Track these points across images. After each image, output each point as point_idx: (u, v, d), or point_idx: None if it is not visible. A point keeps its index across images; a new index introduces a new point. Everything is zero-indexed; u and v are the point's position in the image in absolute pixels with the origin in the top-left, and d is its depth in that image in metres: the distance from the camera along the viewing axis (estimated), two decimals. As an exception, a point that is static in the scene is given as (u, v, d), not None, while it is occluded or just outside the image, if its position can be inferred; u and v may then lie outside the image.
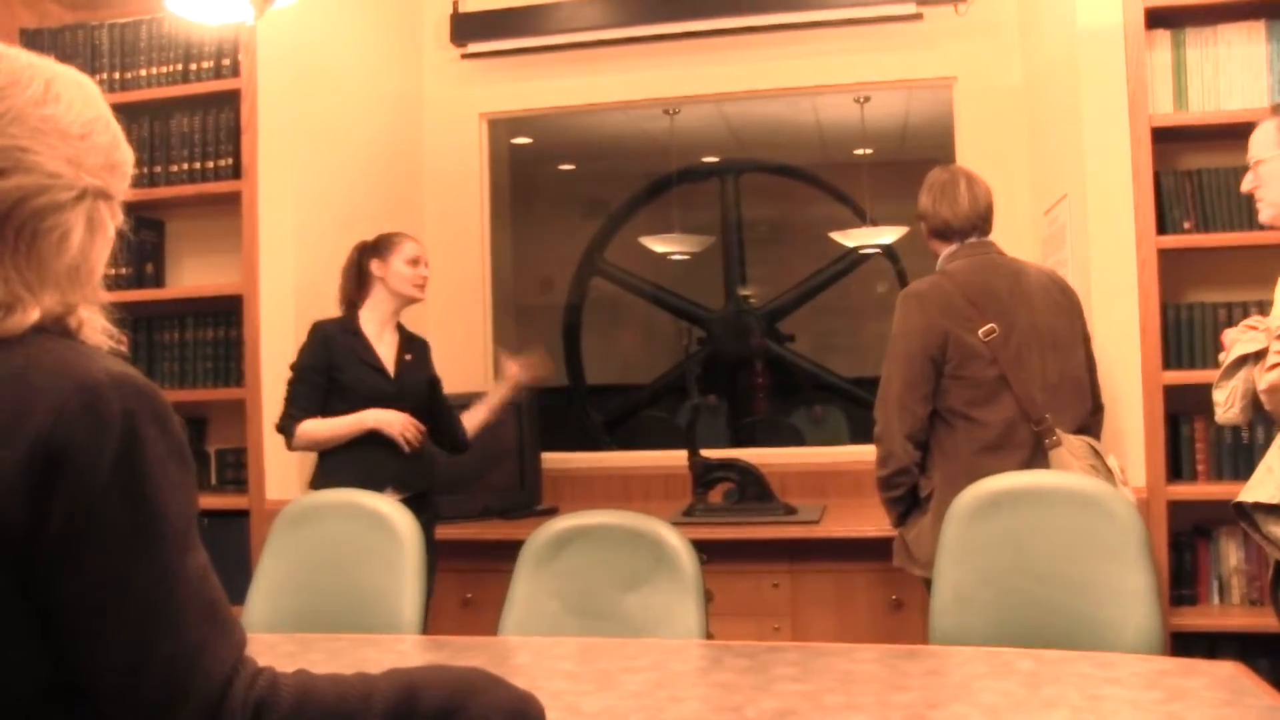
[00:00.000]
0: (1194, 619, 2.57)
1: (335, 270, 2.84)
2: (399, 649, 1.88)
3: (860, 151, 5.45)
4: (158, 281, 3.23)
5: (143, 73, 3.15)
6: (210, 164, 3.09)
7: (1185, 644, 2.44)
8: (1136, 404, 2.60)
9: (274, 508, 2.52)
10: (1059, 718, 1.38)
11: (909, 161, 4.51)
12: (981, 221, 2.50)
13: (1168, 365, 2.61)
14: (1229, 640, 2.50)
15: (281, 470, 2.93)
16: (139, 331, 3.12)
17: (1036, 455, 2.34)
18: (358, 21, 3.50)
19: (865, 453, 2.82)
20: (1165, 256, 2.61)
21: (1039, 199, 3.28)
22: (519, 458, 3.40)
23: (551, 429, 3.40)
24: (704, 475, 3.18)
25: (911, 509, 2.43)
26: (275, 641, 1.90)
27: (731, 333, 5.70)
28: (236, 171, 3.06)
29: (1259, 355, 1.92)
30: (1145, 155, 2.59)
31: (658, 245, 5.97)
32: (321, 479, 2.64)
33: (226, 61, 3.09)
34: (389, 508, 2.17)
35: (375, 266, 2.75)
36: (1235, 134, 2.36)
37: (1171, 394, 2.59)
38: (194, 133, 3.11)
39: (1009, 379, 2.35)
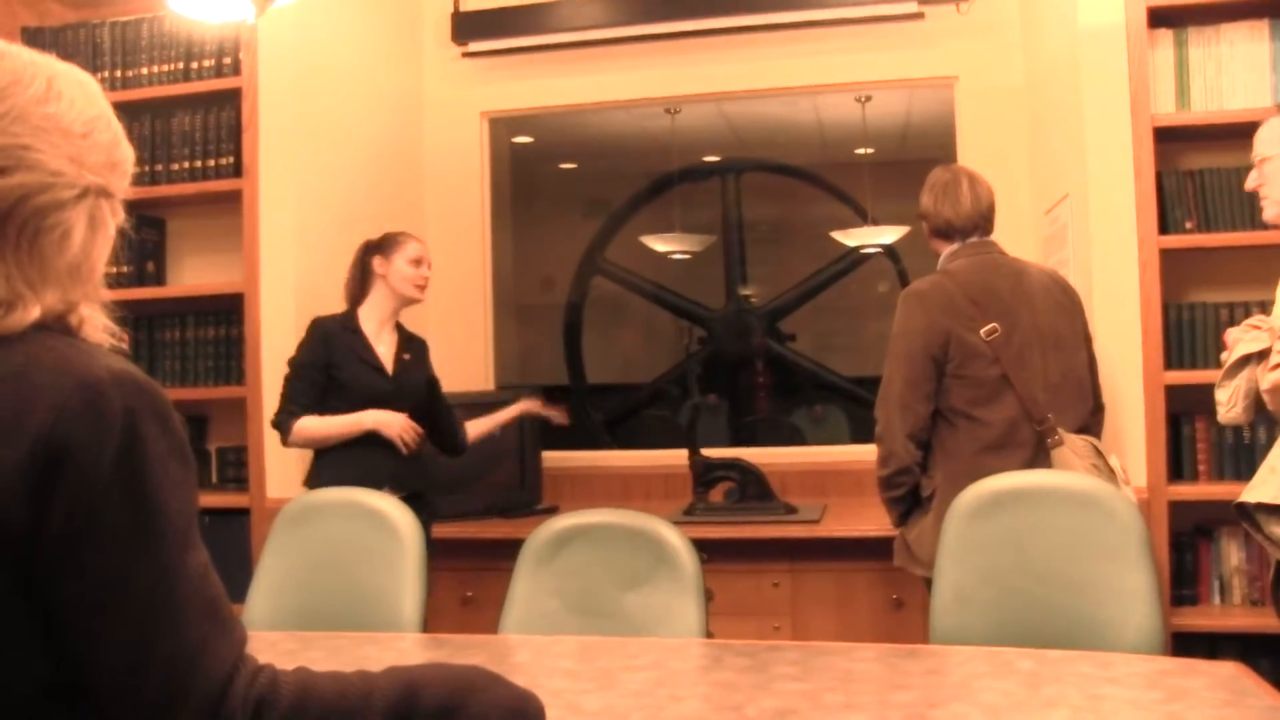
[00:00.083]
0: (1195, 619, 2.56)
1: (336, 269, 2.84)
2: (399, 647, 1.88)
3: (861, 151, 5.45)
4: (159, 280, 3.23)
5: (144, 71, 3.15)
6: (211, 162, 3.09)
7: (1186, 644, 2.44)
8: (1138, 404, 2.60)
9: (274, 506, 2.52)
10: (1059, 717, 1.38)
11: (910, 161, 4.51)
12: (983, 221, 2.50)
13: (1169, 365, 2.61)
14: (1230, 641, 2.50)
15: (282, 469, 2.93)
16: (140, 330, 3.13)
17: (1038, 455, 2.34)
18: (358, 20, 3.50)
19: (866, 452, 2.82)
20: (1167, 256, 2.61)
21: (1040, 198, 3.28)
22: (519, 457, 3.40)
23: (552, 428, 3.40)
24: (704, 474, 3.18)
25: (912, 509, 2.43)
26: (276, 639, 1.90)
27: (732, 332, 5.70)
28: (237, 170, 3.06)
29: (1262, 355, 1.92)
30: (1147, 155, 2.59)
31: (659, 244, 5.97)
32: (318, 477, 2.64)
33: (227, 60, 3.09)
34: (390, 506, 2.17)
35: (378, 264, 2.75)
36: (1238, 134, 2.36)
37: (1173, 394, 2.59)
38: (195, 131, 3.11)
39: (1011, 378, 2.35)
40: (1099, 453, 2.36)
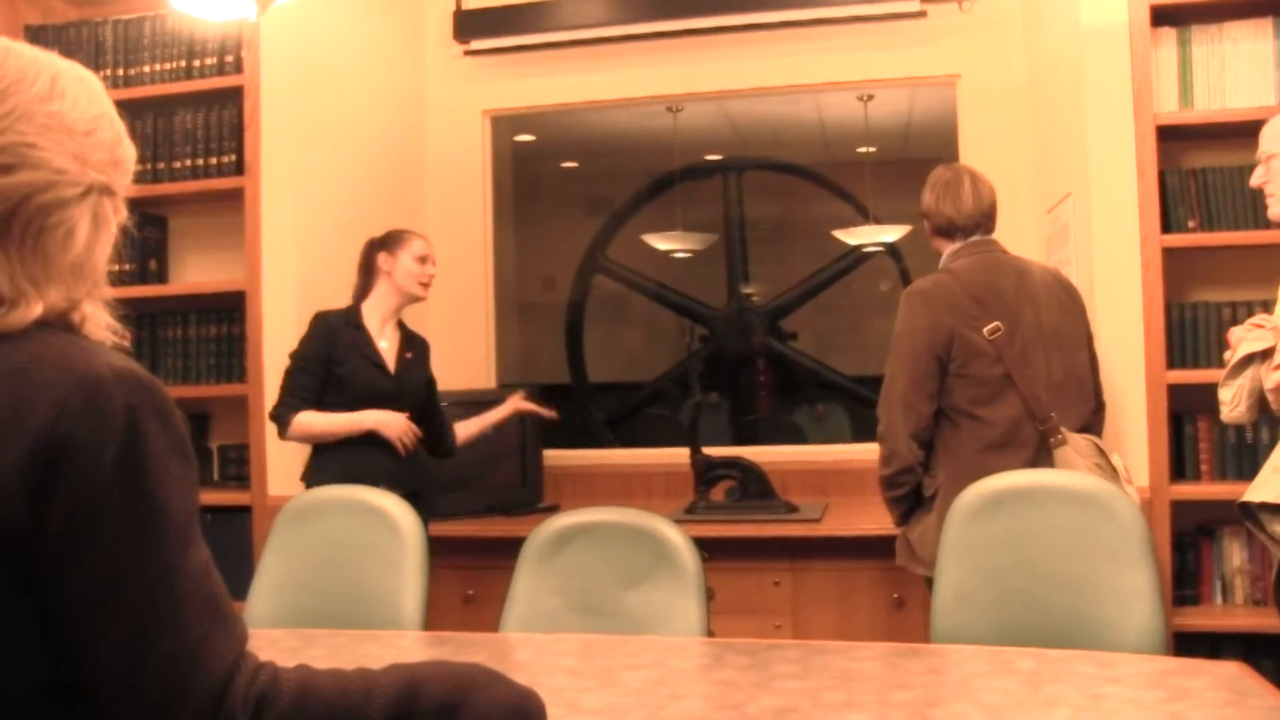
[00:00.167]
0: (1197, 619, 2.56)
1: (337, 267, 2.84)
2: (400, 645, 1.88)
3: (863, 149, 5.44)
4: (161, 278, 3.23)
5: (146, 69, 3.15)
6: (213, 160, 3.09)
7: (1188, 644, 2.44)
8: (1140, 403, 2.60)
9: (276, 504, 2.52)
10: (1060, 717, 1.38)
11: (912, 160, 4.50)
12: (985, 219, 2.49)
13: (1171, 365, 2.60)
14: (1232, 641, 2.49)
15: (284, 467, 2.93)
16: (142, 328, 3.13)
17: (1041, 454, 2.33)
18: (361, 18, 3.49)
19: (867, 451, 2.82)
20: (1169, 255, 2.60)
21: (1042, 197, 3.28)
22: (521, 455, 3.40)
23: (553, 426, 3.40)
24: (706, 473, 3.18)
25: (914, 508, 2.43)
26: (277, 637, 1.90)
27: (734, 331, 5.70)
28: (239, 168, 3.06)
29: (1266, 354, 1.92)
30: (1150, 154, 2.59)
31: (660, 243, 5.97)
32: (315, 474, 2.64)
33: (229, 58, 3.09)
34: (391, 504, 2.17)
35: (382, 260, 2.75)
36: (1240, 132, 2.36)
37: (1175, 393, 2.59)
38: (197, 129, 3.11)
39: (1014, 377, 2.34)
40: (1102, 452, 2.36)
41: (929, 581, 2.05)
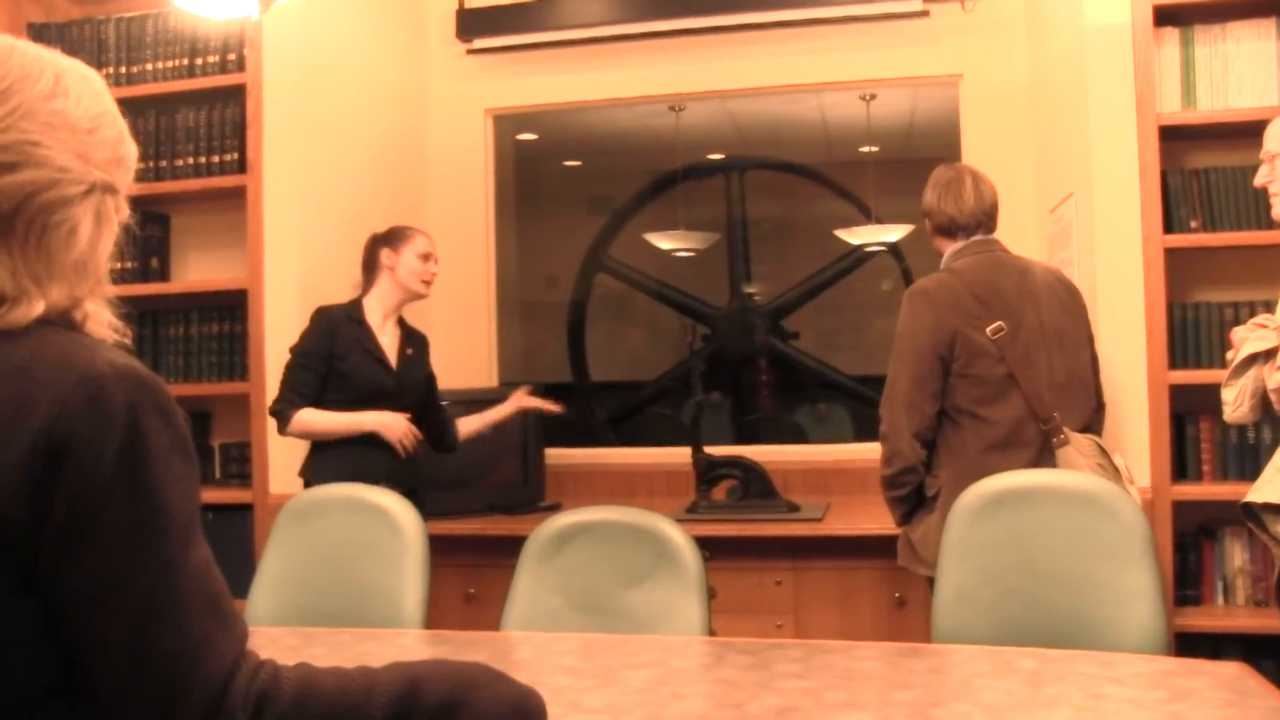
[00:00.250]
0: (1198, 619, 2.56)
1: (340, 265, 2.85)
2: (401, 643, 1.88)
3: (866, 149, 5.44)
4: (163, 276, 3.24)
5: (148, 67, 3.15)
6: (215, 158, 3.09)
7: (1189, 645, 2.43)
8: (1142, 403, 2.59)
9: (277, 502, 2.53)
10: (1061, 717, 1.38)
11: (915, 159, 4.50)
12: (986, 219, 2.49)
13: (1173, 365, 2.60)
14: (1233, 641, 2.49)
15: (285, 465, 2.93)
16: (144, 326, 3.13)
17: (1044, 454, 2.33)
18: (363, 17, 3.50)
19: (869, 451, 2.82)
20: (1171, 255, 2.60)
21: (1045, 197, 3.27)
22: (522, 454, 3.40)
23: (555, 425, 3.40)
24: (707, 472, 3.18)
25: (916, 508, 2.43)
26: (278, 635, 1.90)
27: (736, 330, 5.70)
28: (242, 166, 3.06)
29: (1269, 354, 1.92)
30: (1152, 154, 2.58)
31: (663, 242, 5.97)
32: (313, 471, 2.63)
33: (232, 56, 3.09)
34: (392, 503, 2.17)
35: (385, 256, 2.75)
36: (1243, 132, 2.36)
37: (1177, 393, 2.59)
38: (199, 127, 3.11)
39: (1017, 377, 2.34)
40: (1104, 452, 2.36)
41: (930, 581, 2.05)
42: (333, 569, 2.14)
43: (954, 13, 3.50)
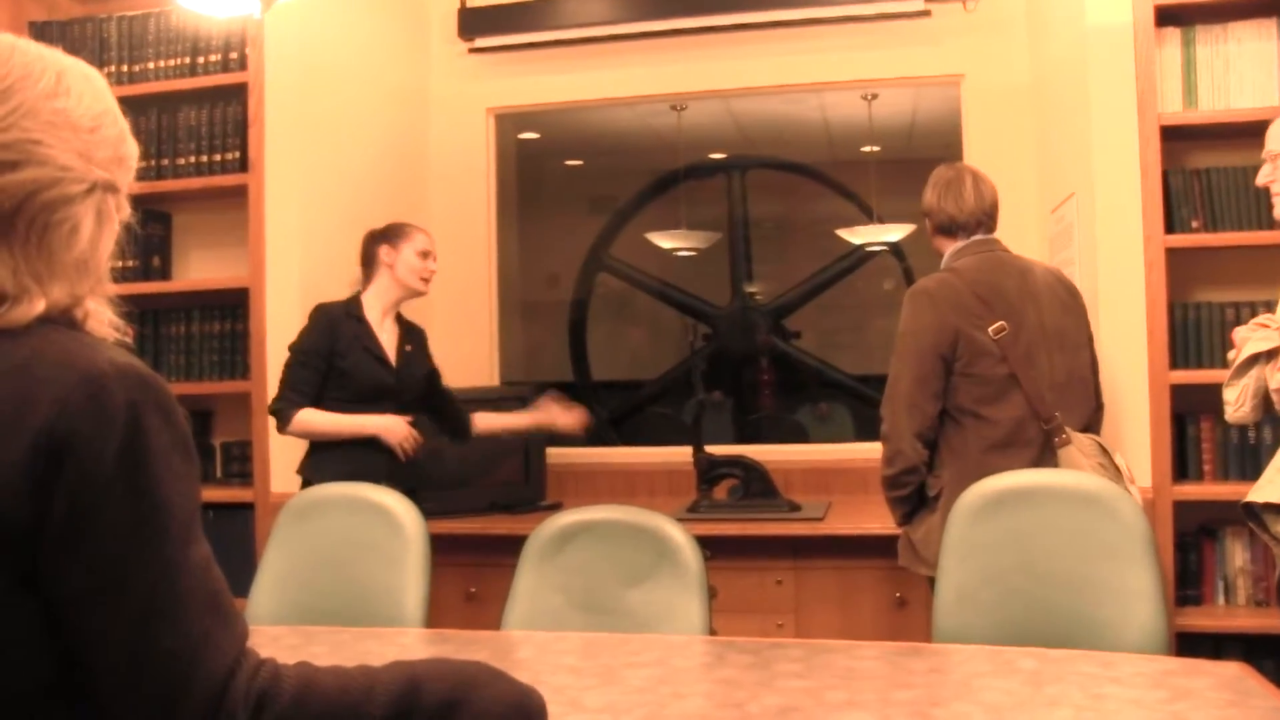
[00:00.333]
0: (1199, 619, 2.56)
1: (341, 264, 2.85)
2: (402, 642, 1.88)
3: (867, 149, 5.44)
4: (164, 274, 3.24)
5: (150, 65, 3.15)
6: (217, 157, 3.10)
7: (1190, 645, 2.43)
8: (1143, 403, 2.59)
9: (278, 501, 2.53)
10: (1062, 717, 1.38)
11: (916, 159, 4.50)
12: (986, 218, 2.49)
13: (1174, 365, 2.60)
14: (1234, 641, 2.49)
15: (286, 464, 2.93)
16: (145, 324, 3.13)
17: (1045, 454, 2.33)
18: (365, 15, 3.50)
19: (870, 450, 2.81)
20: (1173, 255, 2.60)
21: (1046, 197, 3.27)
22: (524, 453, 3.40)
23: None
24: (708, 471, 3.18)
25: (917, 508, 2.43)
26: (278, 634, 1.90)
27: (737, 329, 5.70)
28: (243, 165, 3.06)
29: (1271, 354, 1.92)
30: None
31: (664, 241, 5.97)
32: (313, 469, 2.63)
33: (234, 55, 3.09)
34: (393, 501, 2.18)
35: (384, 253, 2.74)
36: (1244, 132, 2.35)
37: (1178, 393, 2.59)
38: (201, 126, 3.11)
39: (1019, 377, 2.34)
40: (1105, 452, 2.36)
41: (931, 581, 2.05)
42: (333, 568, 2.14)
43: (955, 12, 3.50)
